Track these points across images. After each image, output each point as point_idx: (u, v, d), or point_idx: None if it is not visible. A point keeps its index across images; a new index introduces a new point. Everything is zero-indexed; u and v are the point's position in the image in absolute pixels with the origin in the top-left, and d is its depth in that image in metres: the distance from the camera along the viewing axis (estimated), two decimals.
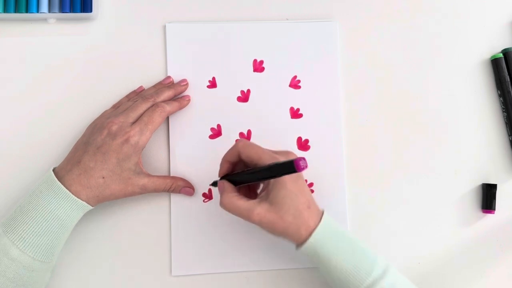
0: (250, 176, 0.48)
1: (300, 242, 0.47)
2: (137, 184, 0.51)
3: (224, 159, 0.50)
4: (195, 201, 0.56)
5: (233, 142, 0.56)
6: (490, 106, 0.60)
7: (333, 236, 0.47)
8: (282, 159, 0.46)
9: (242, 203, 0.47)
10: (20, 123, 0.55)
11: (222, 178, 0.50)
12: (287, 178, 0.46)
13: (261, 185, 0.52)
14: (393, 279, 0.47)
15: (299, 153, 0.57)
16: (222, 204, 0.48)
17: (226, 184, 0.49)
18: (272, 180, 0.47)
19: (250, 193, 0.52)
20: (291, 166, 0.42)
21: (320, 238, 0.47)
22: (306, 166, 0.41)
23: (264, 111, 0.58)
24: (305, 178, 0.56)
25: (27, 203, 0.48)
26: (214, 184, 0.52)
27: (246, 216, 0.47)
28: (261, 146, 0.48)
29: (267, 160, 0.46)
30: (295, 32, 0.59)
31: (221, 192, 0.49)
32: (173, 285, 0.54)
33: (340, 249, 0.47)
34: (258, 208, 0.46)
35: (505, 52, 0.60)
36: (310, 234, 0.46)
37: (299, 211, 0.46)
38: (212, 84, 0.58)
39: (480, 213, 0.58)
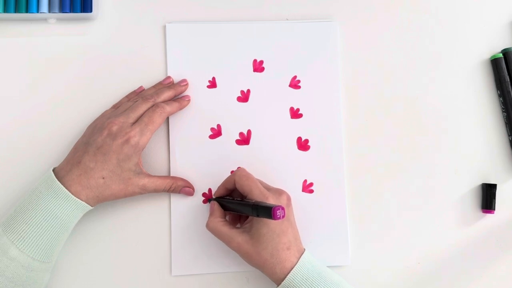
0: (236, 206, 0.50)
1: (275, 280, 0.48)
2: (137, 184, 0.51)
3: (222, 184, 0.53)
4: (195, 201, 0.56)
5: (233, 142, 0.57)
6: (490, 106, 0.60)
7: (309, 279, 0.47)
8: (271, 198, 0.48)
9: (225, 229, 0.49)
10: (20, 123, 0.55)
11: (215, 199, 0.53)
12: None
13: None
14: None
15: (300, 154, 0.57)
16: (207, 226, 0.51)
17: (216, 207, 0.51)
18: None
19: (240, 218, 0.54)
20: (268, 212, 0.44)
21: (295, 280, 0.47)
22: (283, 217, 0.43)
23: (264, 111, 0.58)
24: (304, 178, 0.57)
25: (27, 203, 0.48)
26: (210, 201, 0.55)
27: (226, 242, 0.49)
28: (256, 180, 0.50)
29: (256, 196, 0.48)
30: (295, 32, 0.59)
31: (210, 214, 0.52)
32: (173, 285, 0.54)
33: None
34: (238, 238, 0.49)
35: (505, 52, 0.60)
36: (285, 275, 0.47)
37: (277, 251, 0.48)
38: (212, 84, 0.58)
39: (480, 213, 0.58)
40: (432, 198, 0.58)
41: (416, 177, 0.58)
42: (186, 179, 0.55)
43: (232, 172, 0.56)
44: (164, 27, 0.58)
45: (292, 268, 0.48)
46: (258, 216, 0.46)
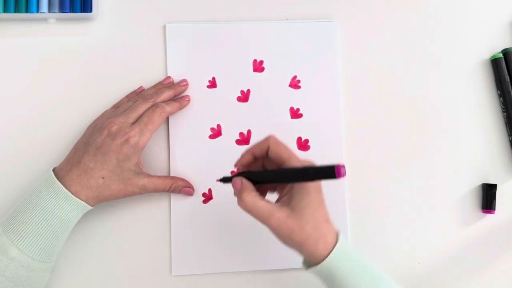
0: (278, 175, 0.45)
1: (314, 259, 0.44)
2: (137, 184, 0.51)
3: (250, 150, 0.47)
4: (195, 201, 0.56)
5: (233, 142, 0.57)
6: (490, 106, 0.60)
7: (350, 259, 0.44)
8: (317, 164, 0.43)
9: (264, 204, 0.44)
10: (20, 123, 0.55)
11: (237, 174, 0.47)
12: (312, 187, 0.44)
13: (268, 193, 0.49)
14: None
15: (299, 153, 0.57)
16: (244, 202, 0.44)
17: (245, 182, 0.45)
18: (296, 186, 0.44)
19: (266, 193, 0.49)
20: (331, 172, 0.39)
21: (338, 259, 0.44)
22: (345, 174, 0.39)
23: (264, 111, 0.58)
24: None
25: (27, 203, 0.48)
26: (225, 180, 0.49)
27: (264, 218, 0.44)
28: (289, 148, 0.46)
29: (296, 163, 0.44)
30: (295, 32, 0.59)
31: (240, 190, 0.45)
32: (173, 285, 0.54)
33: (356, 273, 0.44)
34: (279, 212, 0.43)
35: (505, 52, 0.60)
36: (328, 251, 0.43)
37: (319, 224, 0.44)
38: (212, 84, 0.58)
39: (480, 213, 0.58)
40: (432, 198, 0.58)
41: (416, 177, 0.58)
42: (186, 179, 0.55)
43: (234, 170, 0.56)
44: (164, 27, 0.58)
45: (336, 244, 0.44)
46: (313, 179, 0.42)
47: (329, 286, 0.45)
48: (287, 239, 0.44)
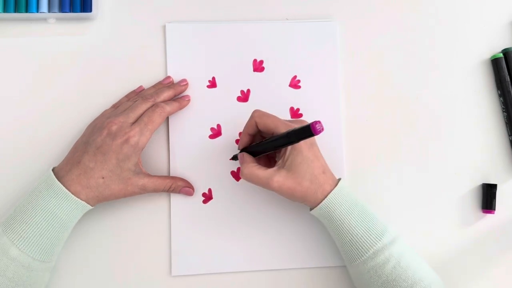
0: (268, 145, 0.49)
1: (315, 203, 0.49)
2: (136, 184, 0.51)
3: (244, 132, 0.52)
4: (195, 201, 0.56)
5: (233, 142, 0.57)
6: (490, 106, 0.60)
7: (347, 201, 0.49)
8: (297, 126, 0.47)
9: (261, 172, 0.49)
10: (19, 123, 0.55)
11: (241, 151, 0.52)
12: (303, 145, 0.48)
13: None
14: (402, 248, 0.49)
15: None
16: (243, 174, 0.49)
17: (246, 156, 0.51)
18: (289, 148, 0.49)
19: (270, 163, 0.54)
20: (308, 130, 0.43)
21: (334, 201, 0.49)
22: (322, 129, 0.42)
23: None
24: None
25: (27, 202, 0.48)
26: (235, 157, 0.54)
27: (265, 184, 0.48)
28: (276, 116, 0.50)
29: (283, 128, 0.48)
30: (295, 32, 0.59)
31: (241, 164, 0.50)
32: (173, 285, 0.54)
33: (353, 214, 0.49)
34: (276, 175, 0.48)
35: (505, 52, 0.60)
36: (325, 196, 0.48)
37: (315, 176, 0.48)
38: (212, 84, 0.58)
39: (480, 213, 0.58)
40: (432, 198, 0.58)
41: (416, 177, 0.58)
42: (186, 179, 0.55)
43: (234, 171, 0.56)
44: (164, 27, 0.58)
45: (331, 190, 0.49)
46: (297, 141, 0.46)
47: (328, 226, 0.50)
48: (290, 196, 0.49)
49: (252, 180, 0.49)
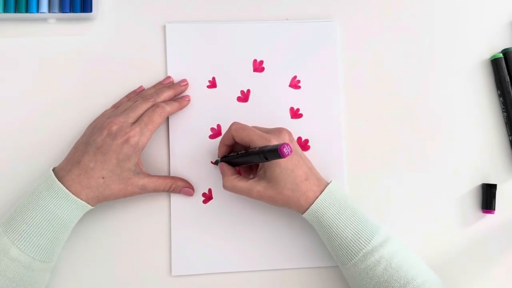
0: (243, 159, 0.50)
1: (302, 210, 0.50)
2: (137, 184, 0.51)
3: (221, 142, 0.53)
4: (195, 201, 0.56)
5: None
6: (490, 106, 0.60)
7: (335, 205, 0.49)
8: (273, 139, 0.49)
9: (242, 184, 0.50)
10: (20, 123, 0.55)
11: (222, 159, 0.53)
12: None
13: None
14: (393, 248, 0.48)
15: None
16: (224, 186, 0.51)
17: (225, 167, 0.52)
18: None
19: (251, 169, 0.54)
20: (276, 153, 0.43)
21: (321, 206, 0.49)
22: (291, 152, 0.43)
23: (264, 111, 0.58)
24: None
25: (27, 203, 0.48)
26: (216, 163, 0.55)
27: (247, 194, 0.50)
28: (253, 128, 0.50)
29: (259, 143, 0.49)
30: (295, 32, 0.59)
31: (222, 175, 0.52)
32: (173, 285, 0.54)
33: (342, 217, 0.49)
34: (257, 186, 0.49)
35: (505, 52, 0.60)
36: (309, 204, 0.49)
37: (296, 185, 0.49)
38: (212, 84, 0.58)
39: (480, 213, 0.58)
40: (432, 198, 0.58)
41: (416, 177, 0.58)
42: (186, 179, 0.55)
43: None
44: (164, 27, 0.58)
45: (316, 198, 0.49)
46: (267, 160, 0.46)
47: (318, 230, 0.51)
48: (272, 204, 0.50)
49: (233, 191, 0.51)
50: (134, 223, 0.55)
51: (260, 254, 0.55)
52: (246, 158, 0.49)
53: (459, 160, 0.59)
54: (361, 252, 0.48)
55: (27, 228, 0.46)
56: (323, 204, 0.49)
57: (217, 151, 0.55)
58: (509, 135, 0.59)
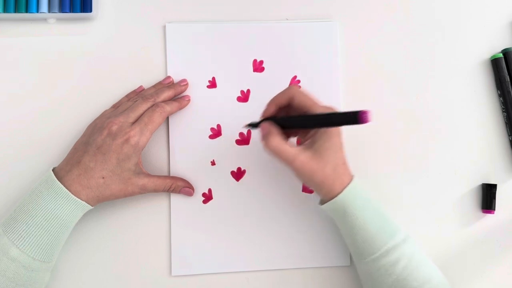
0: (304, 121, 0.48)
1: (331, 196, 0.48)
2: (137, 184, 0.51)
3: (273, 101, 0.50)
4: (195, 201, 0.56)
5: (233, 142, 0.57)
6: (490, 106, 0.60)
7: (362, 197, 0.49)
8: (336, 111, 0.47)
9: (288, 148, 0.47)
10: (19, 123, 0.55)
11: (264, 120, 0.50)
12: (334, 131, 0.48)
13: (290, 139, 0.53)
14: (414, 247, 0.49)
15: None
16: (269, 146, 0.47)
17: (273, 127, 0.48)
18: (319, 131, 0.48)
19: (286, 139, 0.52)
20: (353, 117, 0.42)
21: (351, 195, 0.48)
22: (369, 120, 0.41)
23: None
24: None
25: (27, 203, 0.48)
26: (252, 125, 0.52)
27: (288, 161, 0.47)
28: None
29: (319, 109, 0.47)
30: (295, 32, 0.59)
31: (266, 134, 0.48)
32: (173, 285, 0.54)
33: (367, 210, 0.48)
34: (302, 155, 0.47)
35: (505, 52, 0.60)
36: (342, 188, 0.48)
37: (337, 165, 0.48)
38: (212, 84, 0.58)
39: (480, 213, 0.58)
40: (432, 198, 0.58)
41: (416, 177, 0.58)
42: (186, 179, 0.55)
43: (234, 171, 0.56)
44: (164, 27, 0.58)
45: (348, 184, 0.48)
46: (336, 124, 0.45)
47: (340, 221, 0.50)
48: (308, 179, 0.48)
49: (276, 153, 0.47)
50: (134, 223, 0.55)
51: (260, 254, 0.55)
52: (310, 120, 0.47)
53: (459, 160, 0.59)
54: (384, 247, 0.47)
55: (27, 228, 0.46)
56: (353, 193, 0.48)
57: (217, 151, 0.55)
58: (509, 135, 0.59)
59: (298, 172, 0.48)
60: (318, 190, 0.49)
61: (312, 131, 0.50)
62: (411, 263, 0.47)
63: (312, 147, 0.48)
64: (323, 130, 0.48)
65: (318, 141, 0.48)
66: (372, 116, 0.42)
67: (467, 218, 0.58)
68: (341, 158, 0.49)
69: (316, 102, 0.48)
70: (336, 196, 0.48)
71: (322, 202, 0.50)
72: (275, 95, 0.50)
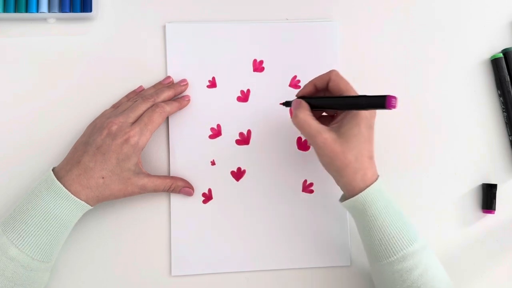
0: (333, 101, 0.49)
1: (351, 189, 0.47)
2: (136, 184, 0.51)
3: (312, 81, 0.51)
4: (195, 201, 0.56)
5: (233, 142, 0.57)
6: (490, 106, 0.60)
7: (384, 199, 0.48)
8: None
9: (314, 122, 0.47)
10: (19, 123, 0.55)
11: (301, 97, 0.51)
12: (363, 121, 0.47)
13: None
14: (430, 257, 0.48)
15: (300, 154, 0.57)
16: (297, 118, 0.48)
17: (304, 103, 0.49)
18: (348, 116, 0.48)
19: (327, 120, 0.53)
20: (381, 101, 0.42)
21: (374, 196, 0.47)
22: (395, 106, 0.42)
23: (264, 111, 0.58)
24: (304, 178, 0.57)
25: (27, 202, 0.48)
26: (287, 104, 0.53)
27: (313, 136, 0.47)
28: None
29: (353, 94, 0.48)
30: (295, 32, 0.59)
31: (296, 108, 0.49)
32: (173, 285, 0.54)
33: (388, 213, 0.47)
34: (327, 133, 0.47)
35: (505, 52, 0.60)
36: (365, 185, 0.47)
37: (362, 156, 0.47)
38: (212, 84, 0.58)
39: (480, 213, 0.58)
40: (432, 198, 0.58)
41: (416, 177, 0.58)
42: (186, 179, 0.55)
43: (234, 171, 0.56)
44: (164, 27, 0.58)
45: (373, 181, 0.47)
46: (364, 107, 0.45)
47: (359, 220, 0.49)
48: (329, 161, 0.47)
49: (302, 126, 0.48)
50: (133, 223, 0.55)
51: (259, 254, 0.55)
52: (338, 101, 0.48)
53: (459, 160, 0.59)
54: (401, 252, 0.46)
55: (26, 228, 0.46)
56: (376, 194, 0.47)
57: (217, 151, 0.55)
58: (509, 135, 0.59)
59: (320, 150, 0.47)
60: (339, 177, 0.48)
61: (341, 115, 0.49)
62: (428, 272, 0.46)
63: (339, 130, 0.47)
64: (351, 115, 0.47)
65: (345, 126, 0.47)
66: (397, 103, 0.42)
67: (468, 218, 0.58)
68: (367, 150, 0.48)
69: (351, 88, 0.49)
70: (357, 193, 0.47)
71: (343, 198, 0.49)
72: (315, 77, 0.51)
